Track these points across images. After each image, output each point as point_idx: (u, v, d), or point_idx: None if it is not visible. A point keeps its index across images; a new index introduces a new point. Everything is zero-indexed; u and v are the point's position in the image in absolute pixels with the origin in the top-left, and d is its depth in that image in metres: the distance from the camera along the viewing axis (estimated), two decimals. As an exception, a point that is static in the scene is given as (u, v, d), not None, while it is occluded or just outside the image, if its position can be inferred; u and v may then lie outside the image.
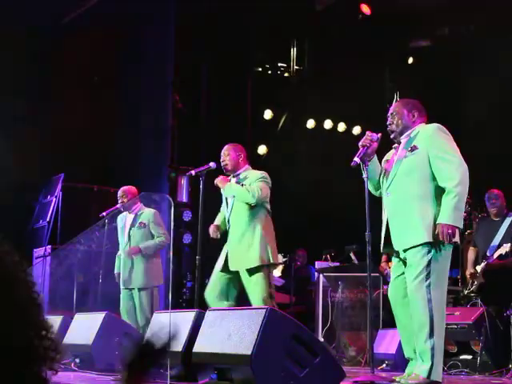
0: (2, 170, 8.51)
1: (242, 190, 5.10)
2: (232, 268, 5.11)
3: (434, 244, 3.89)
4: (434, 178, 3.98)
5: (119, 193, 6.59)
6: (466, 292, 6.42)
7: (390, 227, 4.11)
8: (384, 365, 6.18)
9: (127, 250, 6.40)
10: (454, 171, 3.92)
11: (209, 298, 5.16)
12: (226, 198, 5.30)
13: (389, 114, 4.26)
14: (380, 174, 4.25)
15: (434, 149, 3.99)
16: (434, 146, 4.00)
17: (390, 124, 4.24)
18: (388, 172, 4.18)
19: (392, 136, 4.23)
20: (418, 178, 4.01)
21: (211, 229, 5.28)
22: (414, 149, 4.05)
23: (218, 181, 5.18)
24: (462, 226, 3.91)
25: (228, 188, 5.16)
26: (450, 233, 3.82)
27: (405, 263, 4.05)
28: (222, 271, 5.16)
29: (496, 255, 6.13)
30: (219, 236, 5.29)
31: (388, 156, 4.31)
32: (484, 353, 5.63)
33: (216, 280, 5.18)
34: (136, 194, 6.61)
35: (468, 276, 6.31)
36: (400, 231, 4.05)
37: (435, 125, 4.12)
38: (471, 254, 6.40)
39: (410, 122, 4.18)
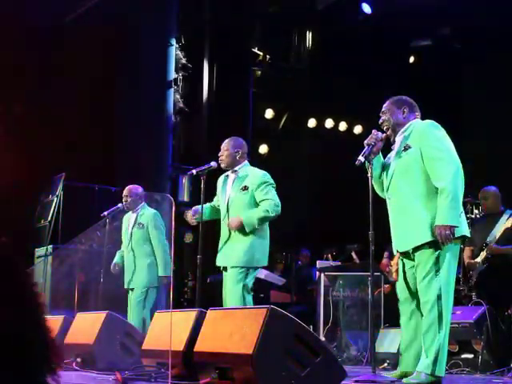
0: (3, 170, 8.51)
1: (258, 216, 4.98)
2: (218, 264, 5.14)
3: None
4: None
5: (124, 191, 6.62)
6: (464, 287, 6.42)
7: (394, 229, 4.12)
8: (385, 364, 6.17)
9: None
10: (445, 169, 3.90)
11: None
12: (223, 192, 5.27)
13: (380, 113, 4.27)
14: (382, 173, 4.26)
15: (426, 147, 3.99)
16: (426, 144, 3.99)
17: (381, 123, 4.25)
18: (386, 173, 4.20)
19: (388, 134, 4.23)
20: (415, 177, 4.01)
21: (190, 214, 5.20)
22: (406, 148, 4.05)
23: (234, 226, 5.00)
24: (459, 224, 3.88)
25: (248, 224, 4.99)
26: (448, 234, 3.83)
27: (410, 263, 4.08)
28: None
29: (499, 233, 6.13)
30: (194, 222, 5.21)
31: (388, 155, 4.31)
32: (485, 352, 5.62)
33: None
34: (139, 193, 6.62)
35: (467, 264, 6.29)
36: (403, 232, 4.07)
37: (427, 122, 4.11)
38: (467, 252, 6.41)
39: (401, 118, 4.18)
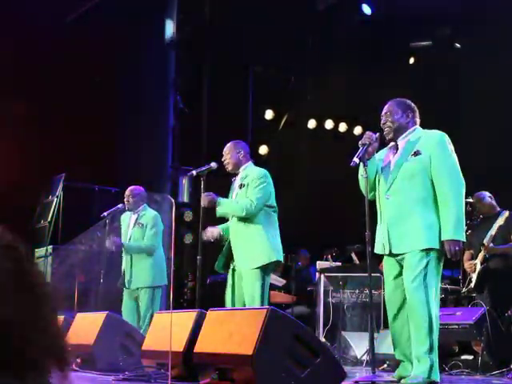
0: (3, 170, 8.51)
1: (234, 207, 5.03)
2: (236, 267, 5.12)
3: (434, 249, 3.98)
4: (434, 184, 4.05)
5: (126, 192, 6.62)
6: (464, 290, 6.43)
7: (389, 230, 4.11)
8: (385, 365, 6.16)
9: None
10: (454, 185, 4.00)
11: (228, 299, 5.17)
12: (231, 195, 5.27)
13: (383, 114, 4.26)
14: (376, 174, 4.25)
15: (438, 159, 4.03)
16: (440, 156, 4.04)
17: (383, 123, 4.24)
18: (386, 174, 4.18)
19: (386, 134, 4.23)
20: (420, 182, 4.04)
21: (208, 232, 5.18)
22: (417, 153, 4.07)
23: (205, 203, 5.07)
24: (464, 239, 4.05)
25: (220, 208, 5.06)
26: (457, 250, 3.95)
27: (401, 265, 4.10)
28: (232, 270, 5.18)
29: (493, 231, 6.16)
30: (212, 240, 5.18)
31: (381, 155, 4.30)
32: (485, 353, 5.62)
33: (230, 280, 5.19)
34: (141, 194, 6.62)
35: (468, 269, 6.31)
36: (400, 235, 4.07)
37: (441, 133, 4.14)
38: (466, 255, 6.42)
39: (404, 121, 4.19)
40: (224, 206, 5.06)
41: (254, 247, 5.00)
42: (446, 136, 4.13)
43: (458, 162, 4.09)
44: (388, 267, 4.23)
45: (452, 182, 4.00)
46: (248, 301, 4.95)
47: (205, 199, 5.06)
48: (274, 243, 5.08)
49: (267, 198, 5.10)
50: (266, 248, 5.01)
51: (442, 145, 4.07)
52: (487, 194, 6.52)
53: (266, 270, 5.02)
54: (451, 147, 4.10)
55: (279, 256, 5.12)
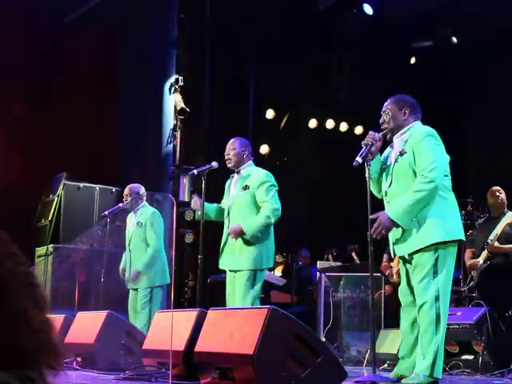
0: (4, 169, 8.51)
1: (259, 224, 4.96)
2: (223, 267, 5.13)
3: (439, 243, 3.90)
4: None
5: (125, 191, 6.59)
6: (465, 288, 6.43)
7: (392, 232, 4.09)
8: (386, 365, 6.17)
9: (131, 277, 6.36)
10: (424, 180, 3.89)
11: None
12: (228, 194, 5.27)
13: (381, 112, 4.24)
14: (380, 174, 4.25)
15: (417, 154, 3.97)
16: (418, 151, 3.97)
17: (381, 123, 4.22)
18: (386, 176, 4.18)
19: (385, 134, 4.22)
20: (410, 182, 3.99)
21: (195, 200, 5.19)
22: (402, 153, 4.04)
23: (234, 235, 5.00)
24: (402, 223, 3.92)
25: (250, 235, 4.97)
26: (381, 229, 3.92)
27: (410, 264, 4.07)
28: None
29: (499, 231, 6.15)
30: (197, 208, 5.18)
31: (385, 154, 4.29)
32: (486, 353, 5.62)
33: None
34: (140, 192, 6.59)
35: (471, 267, 6.31)
36: (401, 236, 4.04)
37: (426, 130, 4.07)
38: (468, 254, 6.42)
39: (401, 120, 4.14)
40: (251, 229, 4.98)
41: (253, 249, 5.01)
42: (431, 131, 4.04)
43: (440, 157, 3.98)
44: (403, 270, 4.19)
45: (424, 177, 3.89)
46: (238, 302, 4.95)
47: (234, 233, 4.99)
48: (270, 249, 5.09)
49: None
50: (263, 252, 5.02)
51: (423, 141, 3.98)
52: (502, 191, 6.47)
53: (260, 273, 5.02)
54: (434, 141, 4.00)
55: (270, 263, 5.13)
